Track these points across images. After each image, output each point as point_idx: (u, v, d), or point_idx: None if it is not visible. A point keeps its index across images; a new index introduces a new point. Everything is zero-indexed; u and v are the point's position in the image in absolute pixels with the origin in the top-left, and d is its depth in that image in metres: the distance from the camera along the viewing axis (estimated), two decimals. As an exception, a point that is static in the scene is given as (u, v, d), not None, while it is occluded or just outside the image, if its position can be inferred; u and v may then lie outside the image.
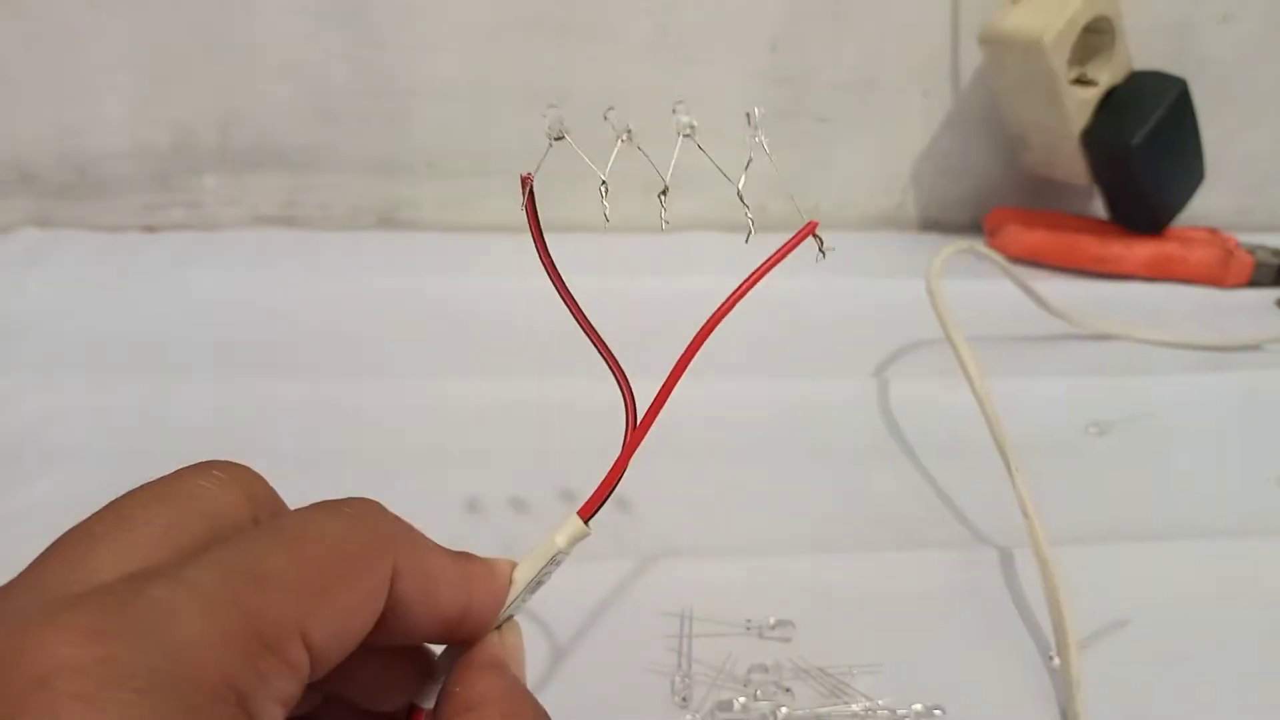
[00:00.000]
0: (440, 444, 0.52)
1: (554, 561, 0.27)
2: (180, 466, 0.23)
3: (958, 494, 0.49)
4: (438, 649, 0.27)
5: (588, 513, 0.27)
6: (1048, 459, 0.51)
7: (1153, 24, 0.73)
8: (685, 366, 0.27)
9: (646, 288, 0.65)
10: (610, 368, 0.28)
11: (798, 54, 0.75)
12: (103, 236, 0.74)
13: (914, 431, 0.54)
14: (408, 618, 0.23)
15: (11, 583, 0.20)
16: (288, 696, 0.20)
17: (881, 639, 0.40)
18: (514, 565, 0.26)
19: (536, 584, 0.27)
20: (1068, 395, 0.57)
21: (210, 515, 0.22)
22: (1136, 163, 0.68)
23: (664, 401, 0.27)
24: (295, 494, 0.24)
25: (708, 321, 0.27)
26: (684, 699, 0.37)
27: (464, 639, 0.26)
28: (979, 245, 0.58)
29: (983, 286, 0.62)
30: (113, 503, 0.21)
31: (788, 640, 0.40)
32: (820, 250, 0.28)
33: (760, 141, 0.28)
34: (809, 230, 0.28)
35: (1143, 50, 0.71)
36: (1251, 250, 0.73)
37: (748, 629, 0.40)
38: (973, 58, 0.75)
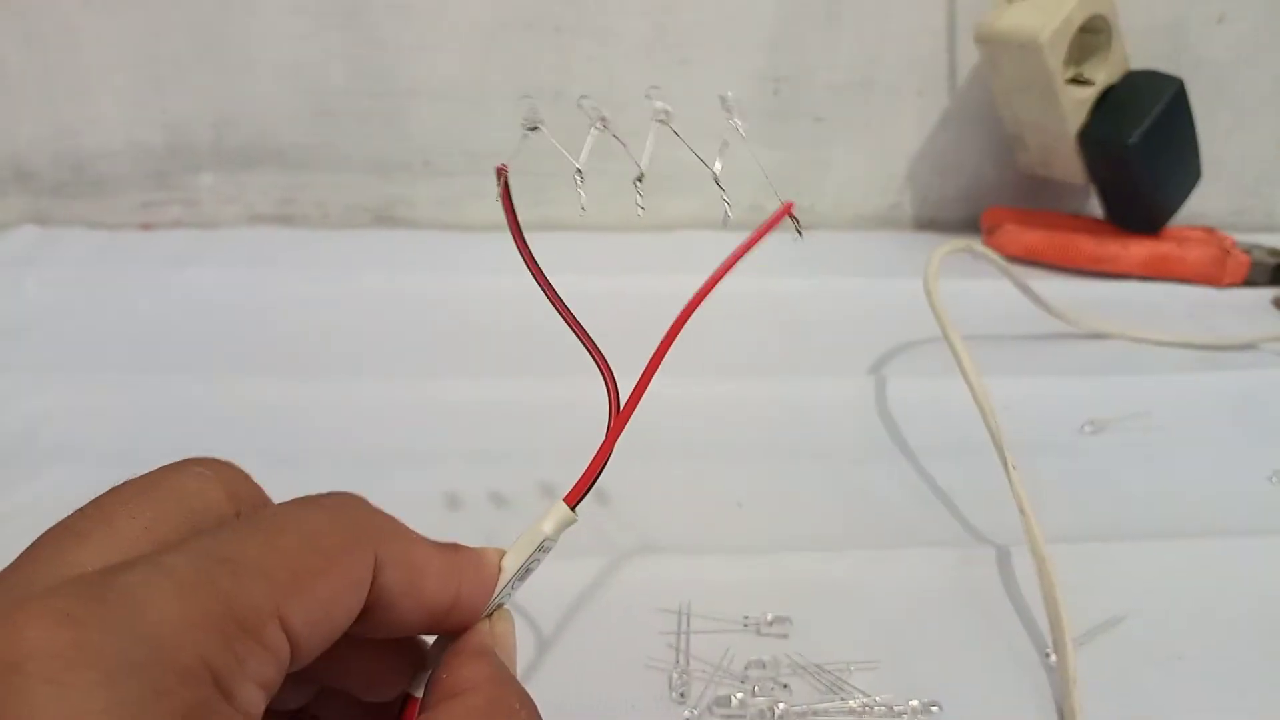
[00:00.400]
0: (435, 441, 0.52)
1: (542, 549, 0.27)
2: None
3: (954, 492, 0.49)
4: (430, 640, 0.27)
5: (574, 499, 0.27)
6: (1044, 458, 0.51)
7: (1149, 24, 0.74)
8: (667, 348, 0.27)
9: (641, 286, 0.65)
10: (589, 352, 0.28)
11: (794, 54, 0.75)
12: (100, 234, 0.74)
13: (911, 430, 0.54)
14: (394, 608, 0.23)
15: None
16: (267, 680, 0.20)
17: (878, 636, 0.40)
18: (502, 554, 0.26)
19: (525, 572, 0.27)
20: (1064, 394, 0.58)
21: (192, 510, 0.22)
22: (1133, 162, 0.68)
23: (646, 385, 0.27)
24: (286, 491, 0.24)
25: (690, 301, 0.27)
26: (682, 694, 0.37)
27: (454, 629, 0.26)
28: (976, 244, 0.58)
29: (979, 286, 0.62)
30: (95, 499, 0.22)
31: (785, 637, 0.40)
32: (797, 229, 0.28)
33: (736, 125, 0.28)
34: (785, 210, 0.28)
35: (1139, 50, 0.71)
36: (1248, 250, 0.73)
37: (745, 626, 0.41)
38: (969, 57, 0.75)
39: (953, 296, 0.51)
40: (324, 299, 0.66)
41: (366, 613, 0.23)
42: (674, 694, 0.37)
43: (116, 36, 0.71)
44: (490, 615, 0.26)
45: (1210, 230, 0.74)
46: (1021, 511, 0.43)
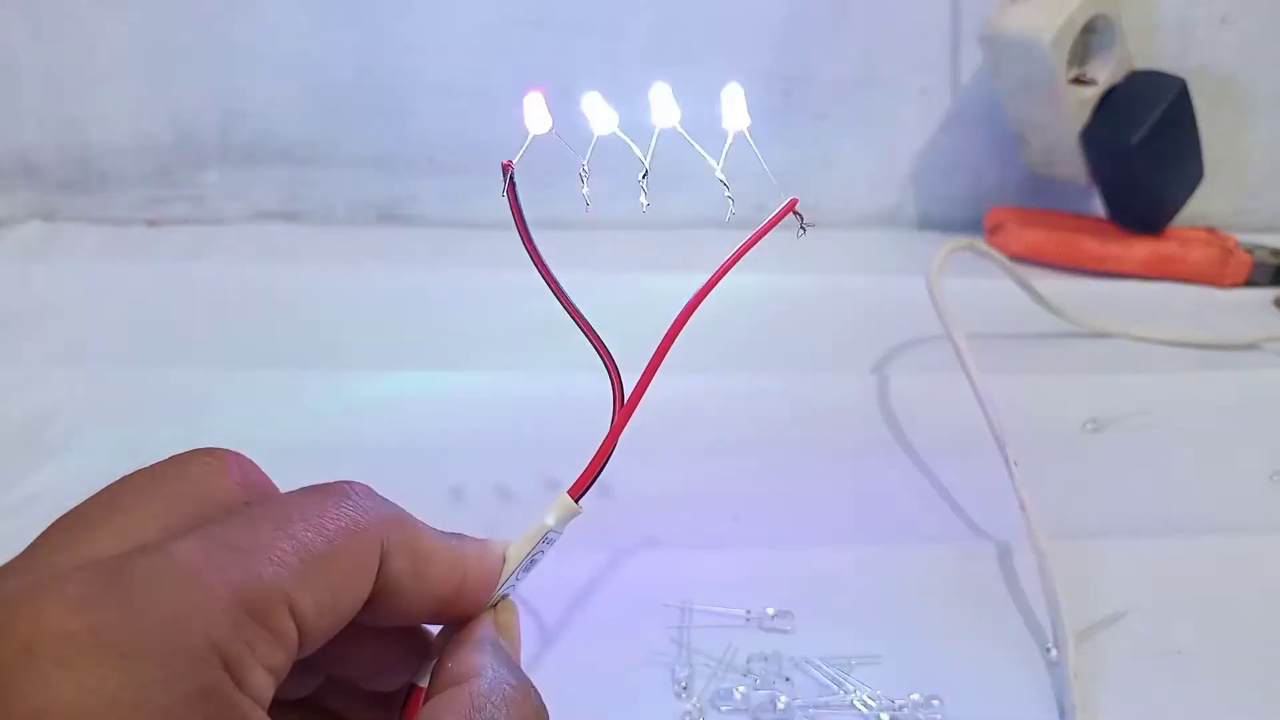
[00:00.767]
0: (440, 435, 0.52)
1: (546, 540, 0.27)
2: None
3: (957, 489, 0.50)
4: (436, 631, 0.28)
5: (577, 491, 0.27)
6: (1046, 455, 0.51)
7: (1152, 24, 0.74)
8: (671, 343, 0.27)
9: (647, 283, 0.65)
10: (594, 345, 0.29)
11: (799, 53, 0.75)
12: (106, 230, 0.74)
13: (914, 427, 0.55)
14: (400, 596, 0.24)
15: (5, 565, 0.20)
16: (276, 665, 0.20)
17: (880, 631, 0.41)
18: (507, 545, 0.27)
19: (530, 563, 0.27)
20: (1066, 392, 0.58)
21: (202, 499, 0.22)
22: (1135, 162, 0.69)
23: (650, 379, 0.27)
24: (292, 482, 0.25)
25: (694, 296, 0.28)
26: (684, 688, 0.38)
27: (459, 618, 0.26)
28: (979, 243, 0.58)
29: (982, 284, 0.62)
30: (106, 488, 0.22)
31: (787, 631, 0.41)
32: (800, 226, 0.29)
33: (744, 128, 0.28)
34: (790, 207, 0.28)
35: (1142, 50, 0.71)
36: (1250, 250, 0.73)
37: (748, 620, 0.41)
38: (973, 57, 0.75)
39: (956, 295, 0.52)
40: (329, 295, 0.66)
41: (373, 600, 0.23)
42: (677, 687, 0.38)
43: (124, 32, 0.71)
44: (495, 605, 0.26)
45: (1212, 230, 0.74)
46: (1023, 508, 0.43)
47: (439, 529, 0.25)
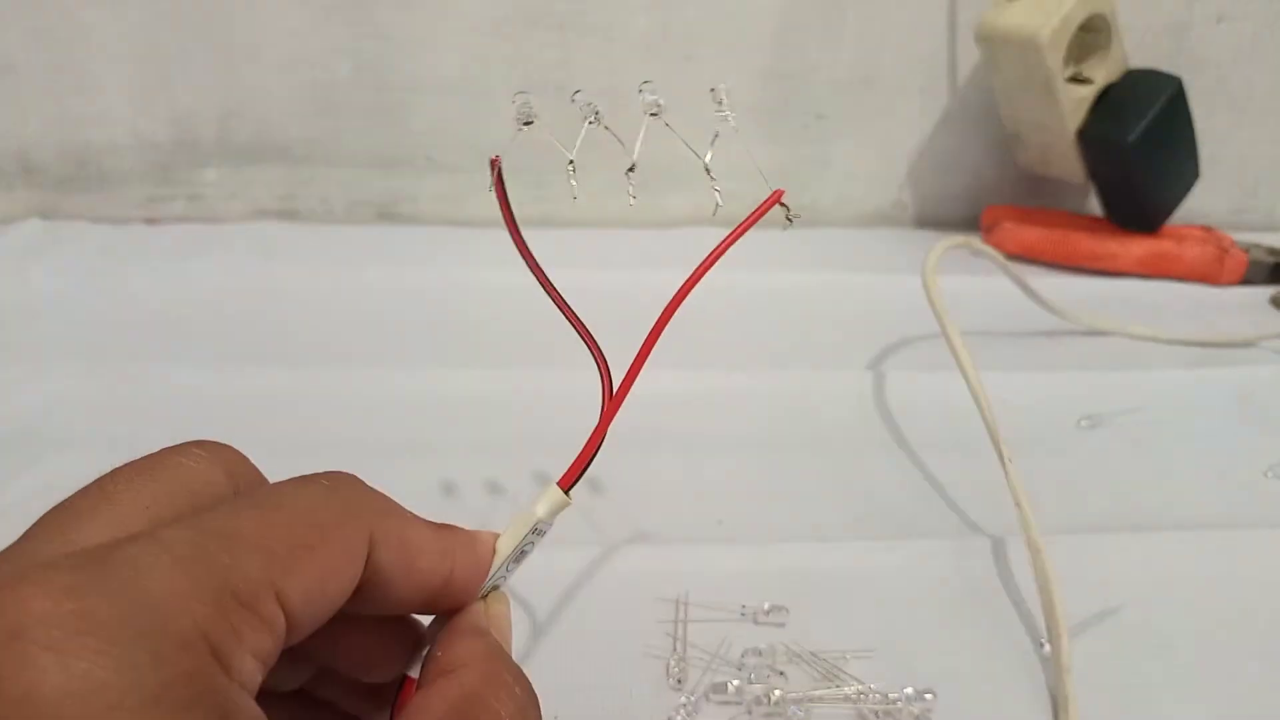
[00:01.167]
0: (433, 431, 0.53)
1: (536, 532, 0.27)
2: None
3: (951, 484, 0.50)
4: (428, 622, 0.28)
5: (567, 483, 0.27)
6: (1041, 451, 0.52)
7: (1148, 23, 0.74)
8: (660, 331, 0.27)
9: (641, 281, 0.65)
10: (582, 336, 0.29)
11: (796, 51, 0.75)
12: (105, 228, 0.74)
13: (909, 424, 0.55)
14: (389, 586, 0.24)
15: None
16: (263, 652, 0.20)
17: (874, 625, 0.41)
18: (496, 537, 0.27)
19: (520, 554, 0.27)
20: (1061, 389, 0.58)
21: (192, 490, 0.22)
22: (1131, 160, 0.69)
23: (639, 370, 0.27)
24: (286, 478, 0.25)
25: (683, 285, 0.28)
26: (679, 681, 0.38)
27: (449, 608, 0.26)
28: (975, 241, 0.58)
29: (978, 282, 0.63)
30: (97, 480, 0.22)
31: (782, 625, 0.41)
32: (787, 217, 0.29)
33: (727, 116, 0.29)
34: (776, 198, 0.28)
35: (1138, 49, 0.71)
36: (1246, 248, 0.73)
37: (742, 615, 0.41)
38: (970, 56, 0.76)
39: (952, 293, 0.52)
40: (326, 293, 0.66)
41: (362, 590, 0.23)
42: (671, 680, 0.38)
43: (123, 31, 0.71)
44: (485, 597, 0.27)
45: (1208, 229, 0.75)
46: (1017, 504, 0.43)
47: (428, 520, 0.26)
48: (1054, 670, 0.39)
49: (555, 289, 0.29)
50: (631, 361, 0.27)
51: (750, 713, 0.37)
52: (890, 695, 0.37)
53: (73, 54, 0.72)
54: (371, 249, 0.74)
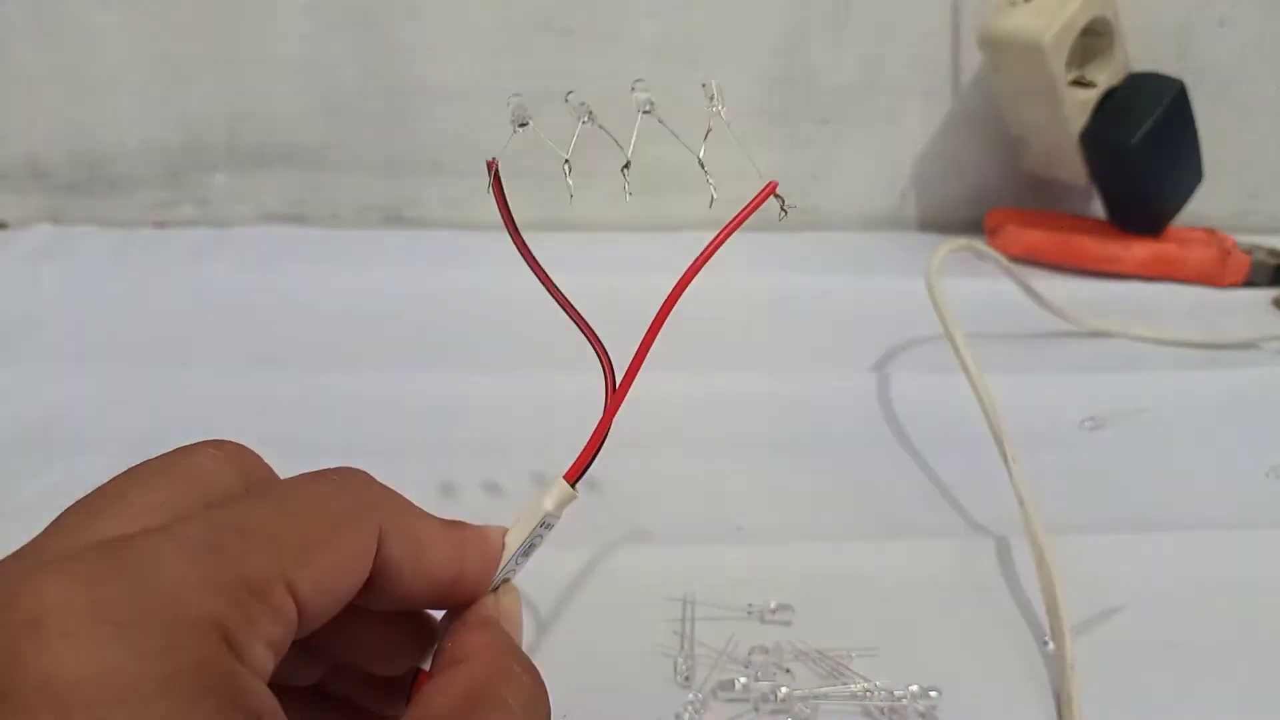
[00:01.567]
0: (438, 433, 0.53)
1: (544, 525, 0.27)
2: None
3: (955, 485, 0.50)
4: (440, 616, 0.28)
5: (573, 476, 0.28)
6: (1044, 452, 0.52)
7: (1151, 26, 0.74)
8: (663, 320, 0.28)
9: (646, 284, 0.65)
10: (583, 331, 0.29)
11: (800, 56, 0.76)
12: (115, 232, 0.75)
13: (913, 425, 0.55)
14: (399, 580, 0.24)
15: (15, 551, 0.21)
16: (275, 640, 0.21)
17: (879, 623, 0.41)
18: (505, 532, 0.27)
19: (529, 547, 0.27)
20: (1064, 390, 0.58)
21: (205, 488, 0.23)
22: (1134, 163, 0.69)
23: (642, 360, 0.28)
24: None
25: (683, 276, 0.28)
26: (686, 678, 0.38)
27: (460, 602, 0.26)
28: (978, 244, 0.58)
29: (982, 285, 0.63)
30: (113, 479, 0.23)
31: (788, 624, 0.41)
32: (782, 209, 0.29)
33: (719, 111, 0.29)
34: (769, 190, 0.29)
35: (1141, 52, 0.72)
36: (1248, 250, 0.74)
37: (749, 613, 0.41)
38: (973, 59, 0.76)
39: (955, 295, 0.52)
40: (334, 296, 0.67)
41: (372, 584, 0.24)
42: (679, 678, 0.38)
43: (133, 36, 0.72)
44: (496, 590, 0.27)
45: (1211, 231, 0.75)
46: (1021, 503, 0.44)
47: (437, 516, 0.26)
48: (1057, 668, 0.39)
49: (555, 285, 0.30)
50: (633, 357, 0.28)
51: (757, 709, 0.37)
52: (895, 692, 0.38)
53: (83, 59, 0.72)
54: (379, 253, 0.74)
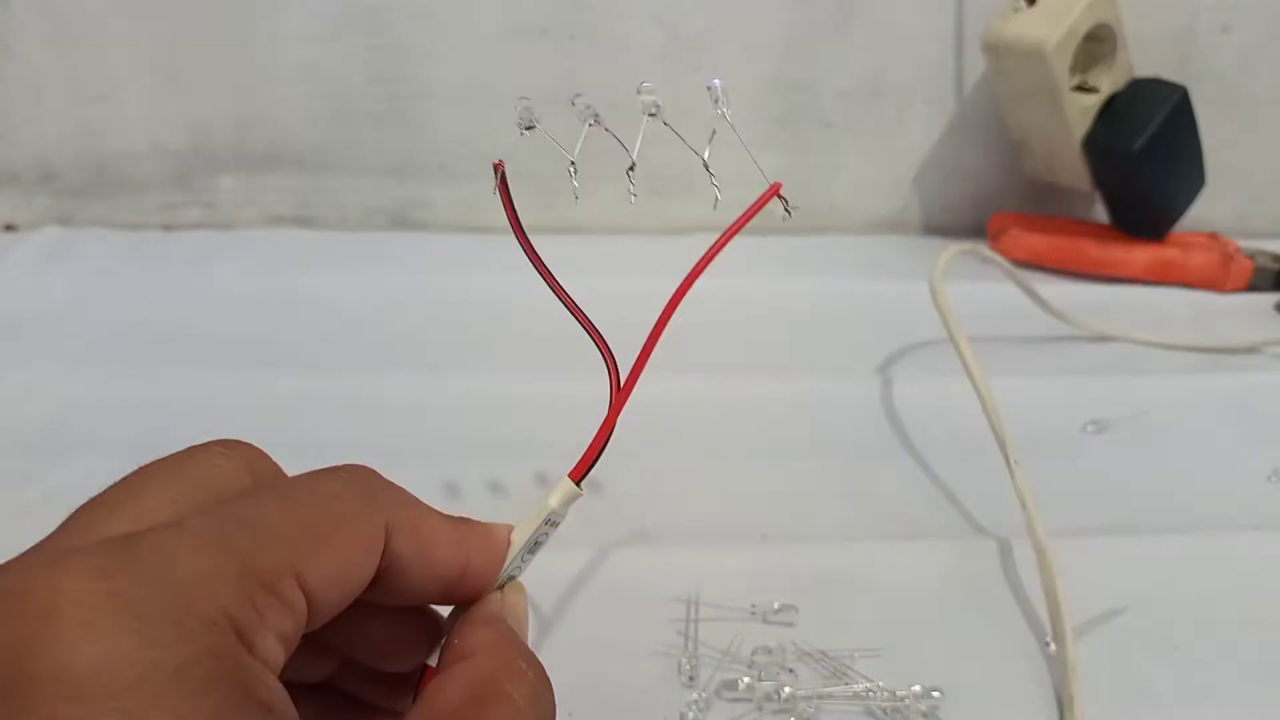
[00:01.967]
0: (442, 434, 0.54)
1: (549, 523, 0.28)
2: None
3: (958, 487, 0.51)
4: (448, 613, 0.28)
5: (578, 475, 0.28)
6: (1047, 455, 0.52)
7: (1154, 32, 0.75)
8: (666, 321, 0.28)
9: (654, 287, 0.66)
10: (586, 329, 0.29)
11: (804, 61, 0.76)
12: (122, 234, 0.75)
13: (917, 428, 0.55)
14: (406, 575, 0.25)
15: (32, 547, 0.21)
16: (285, 633, 0.21)
17: (882, 625, 0.41)
18: (511, 528, 0.28)
19: (535, 544, 0.28)
20: (1067, 394, 0.59)
21: (215, 486, 0.23)
22: (1137, 168, 0.69)
23: (646, 360, 0.28)
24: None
25: (689, 274, 0.28)
26: (690, 678, 0.39)
27: (466, 598, 0.27)
28: (982, 248, 0.59)
29: (985, 288, 0.63)
30: (125, 477, 0.23)
31: (791, 625, 0.41)
32: (785, 209, 0.29)
33: (723, 114, 0.29)
34: (773, 191, 0.29)
35: (1144, 58, 0.72)
36: (1251, 255, 0.74)
37: (752, 614, 0.42)
38: (976, 65, 0.76)
39: (959, 299, 0.52)
40: (341, 298, 0.67)
41: (380, 579, 0.24)
42: (683, 677, 0.39)
43: (141, 40, 0.72)
44: (502, 587, 0.27)
45: (1214, 236, 0.75)
46: (1023, 506, 0.44)
47: (444, 512, 0.26)
48: (1059, 669, 0.39)
49: (560, 286, 0.30)
50: (637, 357, 0.28)
51: (761, 709, 0.38)
52: (898, 693, 0.38)
53: (92, 63, 0.73)
54: (385, 256, 0.75)
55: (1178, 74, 0.72)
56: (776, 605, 0.42)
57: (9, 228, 0.77)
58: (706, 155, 0.30)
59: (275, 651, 0.21)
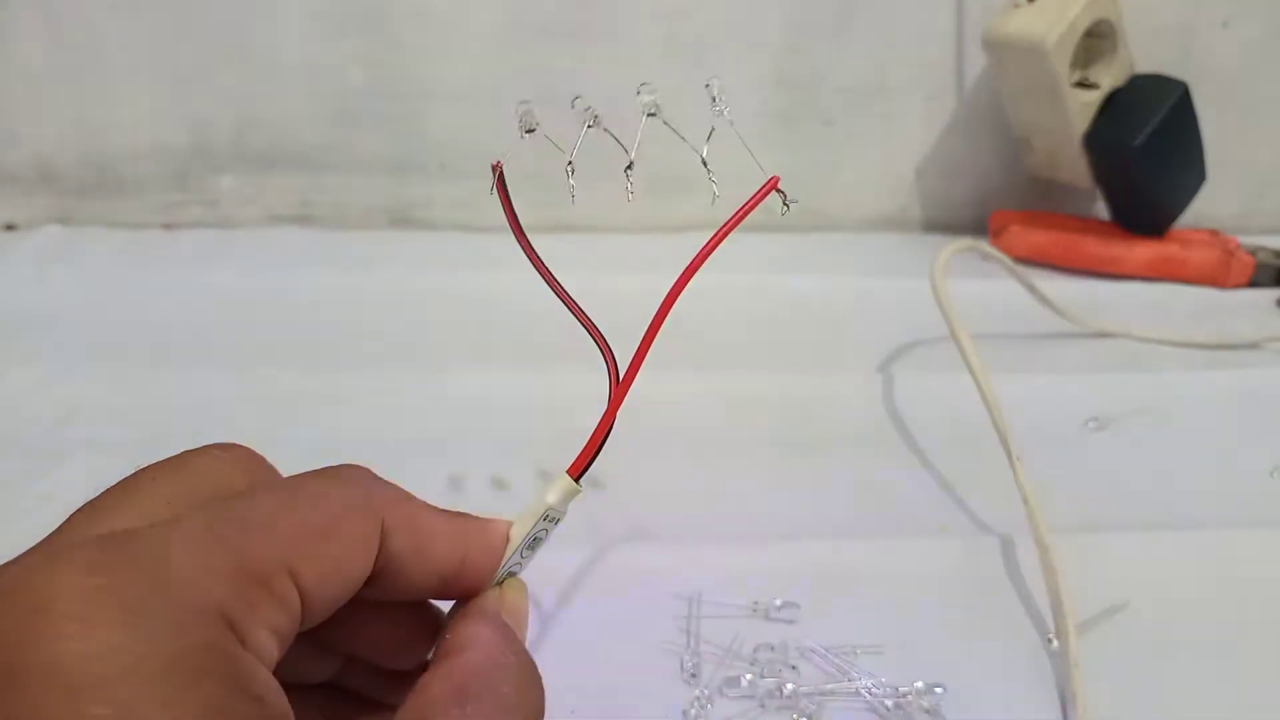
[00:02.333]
0: (443, 432, 0.53)
1: (548, 519, 0.28)
2: None
3: (960, 484, 0.51)
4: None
5: (577, 471, 0.28)
6: (1048, 452, 0.52)
7: (1154, 28, 0.75)
8: (665, 314, 0.28)
9: (653, 284, 0.66)
10: (584, 325, 0.29)
11: (805, 59, 0.76)
12: (123, 234, 0.75)
13: (918, 425, 0.55)
14: (403, 572, 0.25)
15: (30, 548, 0.21)
16: (279, 627, 0.21)
17: (884, 621, 0.41)
18: (509, 525, 0.28)
19: (534, 541, 0.28)
20: (1069, 391, 0.59)
21: (211, 486, 0.23)
22: (1137, 165, 0.69)
23: (644, 354, 0.28)
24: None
25: (688, 266, 0.28)
26: (693, 675, 0.39)
27: (465, 594, 0.27)
28: (983, 244, 0.59)
29: (986, 285, 0.63)
30: (123, 480, 0.23)
31: (793, 622, 0.41)
32: (784, 203, 0.29)
33: (724, 113, 0.29)
34: (771, 185, 0.29)
35: (1144, 54, 0.72)
36: (1252, 251, 0.74)
37: (755, 611, 0.42)
38: (977, 62, 0.76)
39: (960, 296, 0.52)
40: (341, 297, 0.67)
41: (378, 575, 0.24)
42: (686, 674, 0.39)
43: (141, 39, 0.72)
44: (502, 583, 0.27)
45: (1215, 232, 0.75)
46: (1025, 502, 0.44)
47: (441, 508, 0.26)
48: (1062, 665, 0.39)
49: (558, 283, 0.30)
50: (635, 352, 0.28)
51: (763, 706, 0.38)
52: (900, 689, 0.38)
53: (92, 62, 0.73)
54: (385, 254, 0.75)
55: (1178, 70, 0.72)
56: (778, 602, 0.42)
57: (9, 227, 0.77)
58: (705, 153, 0.30)
59: (268, 646, 0.21)
